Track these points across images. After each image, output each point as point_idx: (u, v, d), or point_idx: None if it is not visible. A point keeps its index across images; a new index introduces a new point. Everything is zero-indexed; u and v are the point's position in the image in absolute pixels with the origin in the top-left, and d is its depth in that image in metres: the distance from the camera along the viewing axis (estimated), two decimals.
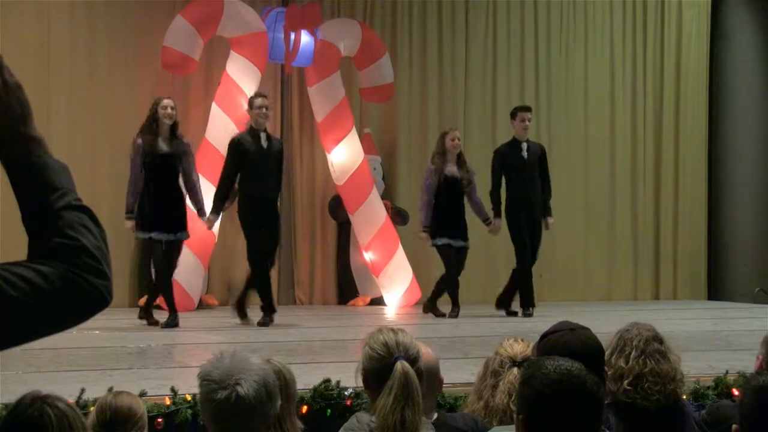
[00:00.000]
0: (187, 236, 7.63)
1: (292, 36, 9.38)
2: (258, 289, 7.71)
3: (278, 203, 8.09)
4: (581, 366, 2.09)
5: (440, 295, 8.76)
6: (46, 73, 9.20)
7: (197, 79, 9.72)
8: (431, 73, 10.95)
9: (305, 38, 9.48)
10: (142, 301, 8.08)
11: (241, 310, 7.74)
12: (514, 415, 2.20)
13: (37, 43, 9.32)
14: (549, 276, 10.51)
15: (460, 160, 8.64)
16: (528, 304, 8.60)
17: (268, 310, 7.67)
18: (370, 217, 9.78)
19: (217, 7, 9.14)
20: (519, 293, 8.72)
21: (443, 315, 8.57)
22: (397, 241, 9.83)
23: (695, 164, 11.96)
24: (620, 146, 11.74)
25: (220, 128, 8.96)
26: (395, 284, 9.79)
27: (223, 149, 8.27)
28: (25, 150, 1.34)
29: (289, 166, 10.04)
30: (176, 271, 8.27)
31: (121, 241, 9.09)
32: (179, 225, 7.51)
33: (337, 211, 10.11)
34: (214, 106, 9.22)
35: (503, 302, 8.79)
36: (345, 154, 9.76)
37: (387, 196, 10.33)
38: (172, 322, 7.42)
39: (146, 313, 7.63)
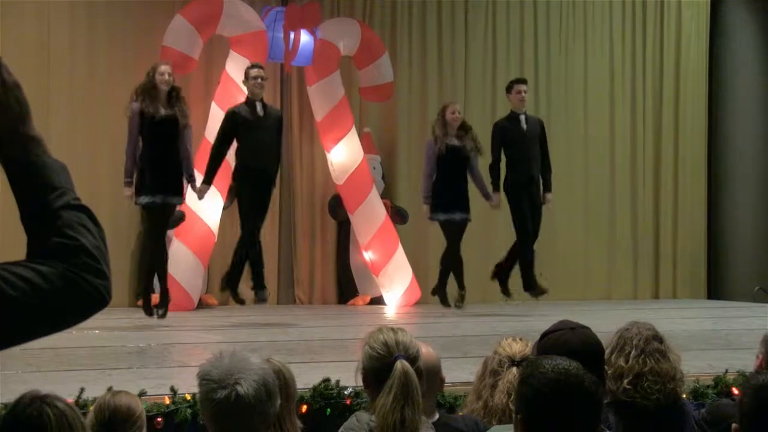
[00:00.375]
0: (182, 201, 7.57)
1: (292, 35, 9.39)
2: (246, 256, 7.68)
3: (276, 177, 8.01)
4: (579, 365, 2.09)
5: (447, 276, 8.66)
6: (46, 73, 9.21)
7: (197, 79, 9.72)
8: (431, 72, 10.97)
9: (305, 37, 9.49)
10: (141, 302, 8.07)
11: (233, 290, 7.72)
12: (513, 415, 2.20)
13: (37, 43, 9.32)
14: (549, 275, 10.49)
15: (462, 131, 8.57)
16: (532, 286, 8.51)
17: (260, 284, 7.68)
18: (370, 217, 9.79)
19: (217, 6, 9.15)
20: (521, 275, 8.62)
21: (449, 305, 8.54)
22: (397, 240, 9.84)
23: (695, 163, 11.97)
24: (620, 146, 11.75)
25: None
26: (395, 284, 9.80)
27: None
28: (24, 149, 1.33)
29: (288, 165, 10.07)
30: (176, 271, 8.27)
31: (121, 241, 9.14)
32: (177, 190, 7.44)
33: (337, 210, 10.11)
34: (213, 105, 9.23)
35: (500, 274, 8.66)
36: (344, 154, 9.77)
37: (387, 195, 10.34)
38: (164, 303, 7.43)
39: (145, 301, 7.59)
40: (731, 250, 11.75)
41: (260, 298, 7.75)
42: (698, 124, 11.99)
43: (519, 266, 8.61)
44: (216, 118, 9.09)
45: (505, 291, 8.66)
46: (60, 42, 9.43)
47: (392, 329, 2.70)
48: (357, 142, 9.86)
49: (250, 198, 7.63)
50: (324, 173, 10.21)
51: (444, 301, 8.67)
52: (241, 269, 7.77)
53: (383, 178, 10.43)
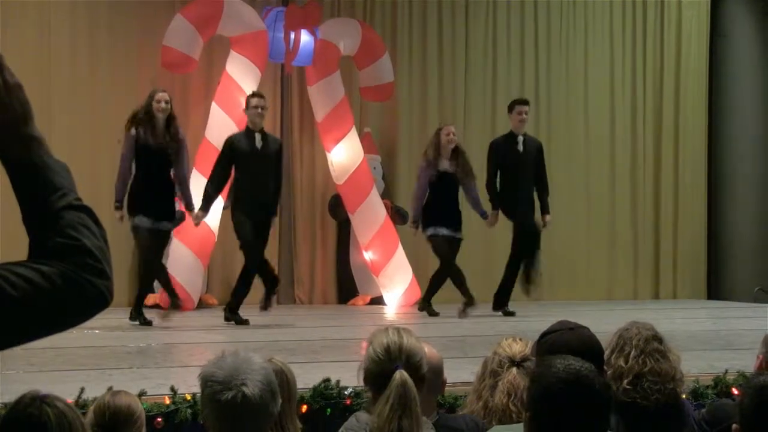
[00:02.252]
0: (172, 227, 7.62)
1: (292, 35, 9.41)
2: (249, 284, 7.69)
3: (275, 206, 7.96)
4: (591, 366, 2.09)
5: (434, 292, 8.71)
6: (47, 74, 9.21)
7: (197, 79, 9.74)
8: (431, 72, 10.98)
9: (305, 38, 9.51)
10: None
11: (235, 315, 7.67)
12: (524, 413, 2.20)
13: (38, 44, 9.34)
14: (549, 275, 10.52)
15: (456, 155, 8.54)
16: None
17: (271, 288, 7.67)
18: (370, 217, 9.80)
19: (217, 6, 9.16)
20: (499, 287, 8.72)
21: (437, 314, 8.54)
22: (397, 240, 9.85)
23: (695, 164, 11.97)
24: (620, 146, 11.75)
25: (220, 127, 8.95)
26: (395, 284, 9.81)
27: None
28: (26, 150, 1.33)
29: (289, 165, 10.05)
30: (176, 271, 8.27)
31: (121, 241, 9.08)
32: (167, 215, 7.48)
33: (337, 210, 10.12)
34: (214, 105, 9.24)
35: (500, 303, 8.73)
36: (345, 154, 9.78)
37: (387, 195, 10.35)
38: (175, 305, 7.43)
39: (137, 314, 7.54)
40: (731, 251, 11.75)
41: (261, 306, 7.70)
42: (698, 124, 12.00)
43: (503, 277, 8.70)
44: (216, 117, 9.18)
45: (508, 314, 8.66)
46: (61, 42, 9.44)
47: (398, 331, 2.66)
48: (357, 142, 9.87)
49: (247, 230, 7.59)
50: (324, 173, 10.21)
51: (431, 312, 8.63)
52: (242, 296, 7.74)
53: (383, 178, 10.44)
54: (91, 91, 9.51)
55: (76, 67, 9.52)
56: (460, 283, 8.46)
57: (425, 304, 8.74)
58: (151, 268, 7.56)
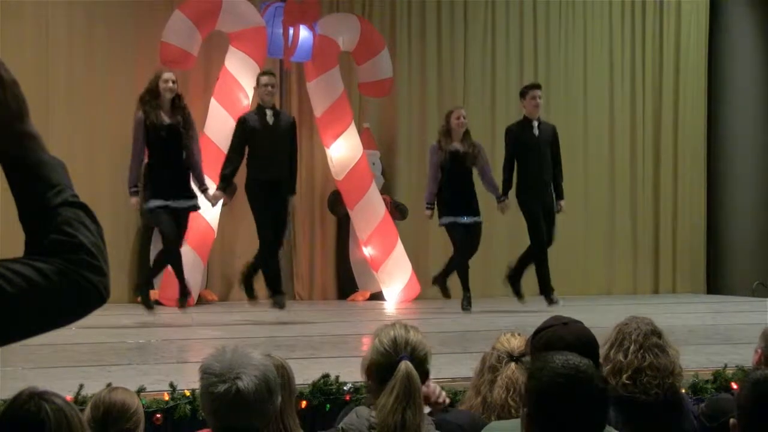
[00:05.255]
0: (197, 206, 7.44)
1: (291, 31, 9.42)
2: (264, 266, 7.64)
3: (292, 184, 7.82)
4: (590, 363, 2.10)
5: (450, 272, 8.60)
6: (45, 71, 9.20)
7: (196, 75, 9.73)
8: (430, 67, 10.99)
9: (304, 33, 9.52)
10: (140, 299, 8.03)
11: (248, 288, 7.67)
12: (521, 409, 2.20)
13: (36, 41, 9.33)
14: (549, 270, 10.52)
15: (466, 138, 8.49)
16: (547, 291, 8.48)
17: (277, 291, 7.65)
18: (369, 212, 9.81)
19: (216, 2, 9.17)
20: (538, 281, 8.62)
21: (449, 296, 8.51)
22: (397, 236, 9.86)
23: (694, 159, 11.99)
24: (619, 141, 11.78)
25: (219, 123, 9.00)
26: (394, 279, 9.83)
27: (222, 144, 8.26)
28: (22, 147, 1.33)
29: None
30: None
31: (120, 237, 9.16)
32: (186, 194, 7.35)
33: (337, 206, 10.14)
34: (213, 101, 9.25)
35: (513, 278, 8.62)
36: (344, 149, 9.79)
37: (386, 191, 10.37)
38: (185, 297, 7.40)
39: (144, 294, 7.51)
40: (731, 245, 11.78)
41: (277, 303, 7.66)
42: (697, 118, 12.01)
43: (535, 272, 8.58)
44: (215, 113, 9.20)
45: (518, 293, 8.61)
46: (59, 40, 9.44)
47: (405, 326, 2.70)
48: (356, 137, 9.88)
49: (262, 212, 7.55)
50: (323, 169, 10.23)
51: (444, 291, 8.60)
52: (253, 275, 7.73)
53: (383, 173, 10.46)
54: (89, 89, 9.51)
55: (73, 65, 9.52)
56: (464, 276, 8.46)
57: (441, 280, 8.61)
58: (177, 251, 7.37)
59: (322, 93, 9.76)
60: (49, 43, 9.41)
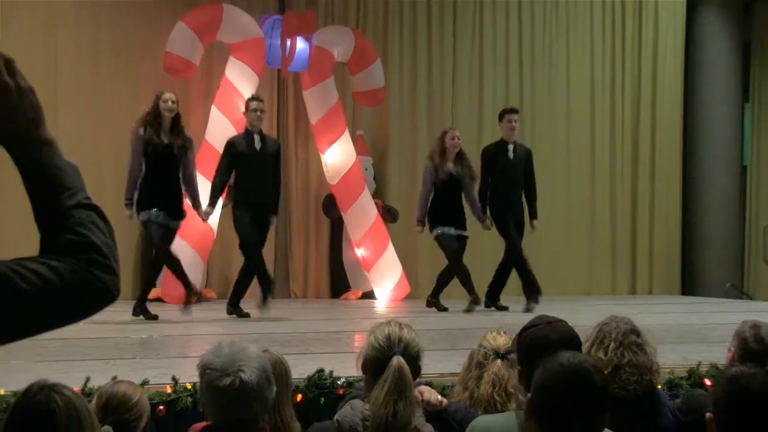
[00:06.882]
0: (179, 226, 7.56)
1: (288, 42, 9.49)
2: (249, 279, 7.76)
3: (275, 206, 7.91)
4: (594, 362, 2.18)
5: (441, 289, 8.68)
6: (53, 77, 9.26)
7: (198, 83, 9.83)
8: (421, 77, 11.07)
9: (301, 44, 9.60)
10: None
11: (237, 309, 7.76)
12: (520, 399, 2.30)
13: (43, 45, 9.36)
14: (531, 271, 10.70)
15: (459, 158, 8.55)
16: (533, 292, 8.52)
17: (267, 287, 7.72)
18: (362, 215, 9.88)
19: (217, 14, 9.26)
20: (522, 286, 8.72)
21: (445, 309, 8.51)
22: (388, 238, 9.95)
23: (670, 165, 12.06)
24: (599, 148, 11.85)
25: (220, 130, 9.07)
26: (385, 279, 9.91)
27: (222, 149, 8.43)
28: (38, 152, 1.35)
29: (284, 166, 10.05)
30: None
31: (125, 237, 9.08)
32: (175, 213, 7.44)
33: (331, 209, 10.21)
34: (213, 108, 9.34)
35: (491, 298, 8.77)
36: (338, 155, 9.87)
37: (378, 195, 10.45)
38: (191, 290, 7.39)
39: (141, 309, 7.48)
40: (704, 249, 11.85)
41: (263, 305, 7.73)
42: (673, 126, 12.09)
43: (519, 277, 8.70)
44: (216, 120, 9.25)
45: (501, 309, 8.68)
46: (65, 46, 9.48)
47: (399, 324, 2.77)
48: (350, 144, 9.96)
49: (247, 230, 7.66)
50: (318, 174, 10.31)
51: (440, 308, 8.61)
52: (243, 291, 7.82)
53: (375, 178, 10.53)
54: (94, 95, 9.54)
55: (80, 69, 9.55)
56: (466, 281, 8.46)
57: (433, 300, 8.68)
58: (159, 262, 7.53)
59: (318, 101, 9.83)
60: (57, 49, 9.45)
